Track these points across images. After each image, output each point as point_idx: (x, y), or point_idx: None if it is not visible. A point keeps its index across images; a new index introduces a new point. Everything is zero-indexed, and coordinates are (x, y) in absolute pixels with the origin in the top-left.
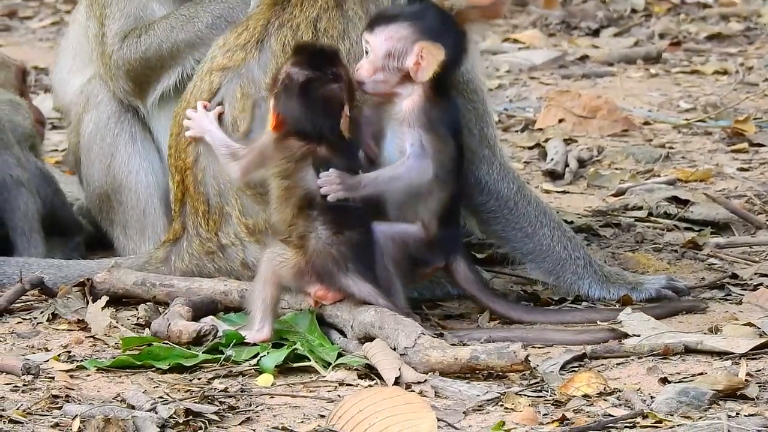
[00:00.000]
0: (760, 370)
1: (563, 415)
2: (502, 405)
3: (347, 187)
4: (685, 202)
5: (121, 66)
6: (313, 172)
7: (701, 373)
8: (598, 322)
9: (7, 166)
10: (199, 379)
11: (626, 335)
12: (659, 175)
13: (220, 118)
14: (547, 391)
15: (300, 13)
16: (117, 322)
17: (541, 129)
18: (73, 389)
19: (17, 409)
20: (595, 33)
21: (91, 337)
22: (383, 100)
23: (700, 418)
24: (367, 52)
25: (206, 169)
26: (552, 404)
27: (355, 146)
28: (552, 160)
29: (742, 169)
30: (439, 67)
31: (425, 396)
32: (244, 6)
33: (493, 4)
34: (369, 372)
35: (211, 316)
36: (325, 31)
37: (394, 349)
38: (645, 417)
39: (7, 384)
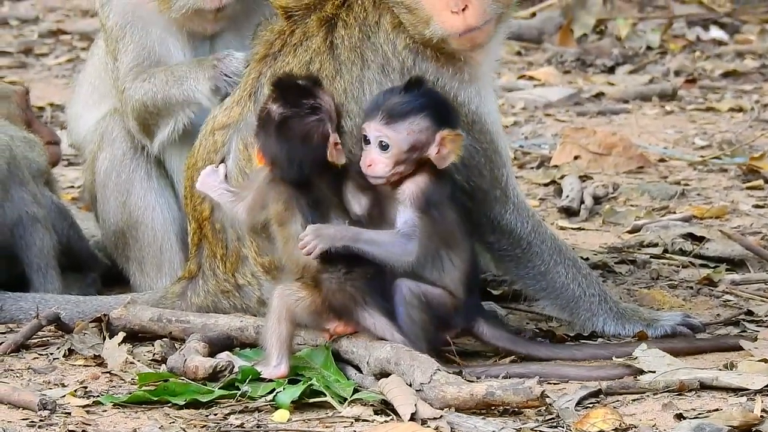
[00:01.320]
0: None
1: None
2: None
3: (325, 238)
4: (700, 239)
5: (128, 104)
6: (304, 219)
7: (716, 410)
8: (614, 358)
9: (24, 203)
10: (215, 414)
11: (641, 371)
12: (674, 212)
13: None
14: (563, 427)
15: (293, 59)
16: (133, 358)
17: (556, 166)
18: (89, 425)
19: None
20: (611, 70)
21: (107, 372)
22: (390, 185)
23: None
24: (385, 147)
25: (224, 218)
26: None
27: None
28: (567, 197)
29: (757, 206)
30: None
31: None
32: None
33: (473, 31)
34: (385, 408)
35: (227, 352)
36: (319, 71)
37: (410, 385)
38: None
39: (23, 419)
